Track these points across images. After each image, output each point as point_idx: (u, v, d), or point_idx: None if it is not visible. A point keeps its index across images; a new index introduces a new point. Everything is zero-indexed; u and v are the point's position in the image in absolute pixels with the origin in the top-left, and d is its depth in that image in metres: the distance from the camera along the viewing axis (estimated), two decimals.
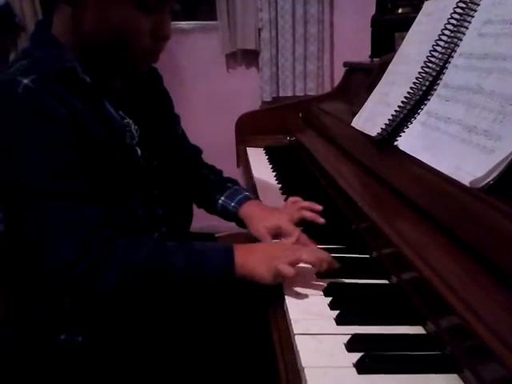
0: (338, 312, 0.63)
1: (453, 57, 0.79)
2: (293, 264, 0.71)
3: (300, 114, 1.60)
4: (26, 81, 0.67)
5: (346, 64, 1.68)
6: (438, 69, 0.82)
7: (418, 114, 0.82)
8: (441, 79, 0.80)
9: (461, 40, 0.79)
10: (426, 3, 1.01)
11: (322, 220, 0.89)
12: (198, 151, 1.08)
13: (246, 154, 1.56)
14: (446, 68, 0.80)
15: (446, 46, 0.81)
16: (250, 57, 2.61)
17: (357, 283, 0.71)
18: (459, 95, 0.73)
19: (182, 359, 0.83)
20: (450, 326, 0.51)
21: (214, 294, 0.90)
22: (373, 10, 1.73)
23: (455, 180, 0.63)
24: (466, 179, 0.61)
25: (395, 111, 0.86)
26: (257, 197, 1.13)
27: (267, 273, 0.71)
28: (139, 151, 0.82)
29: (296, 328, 0.61)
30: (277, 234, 0.87)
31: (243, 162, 1.54)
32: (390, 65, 1.04)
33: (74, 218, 0.69)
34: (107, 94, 0.77)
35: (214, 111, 2.62)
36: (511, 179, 0.56)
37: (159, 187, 0.85)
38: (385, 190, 0.81)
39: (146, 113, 0.88)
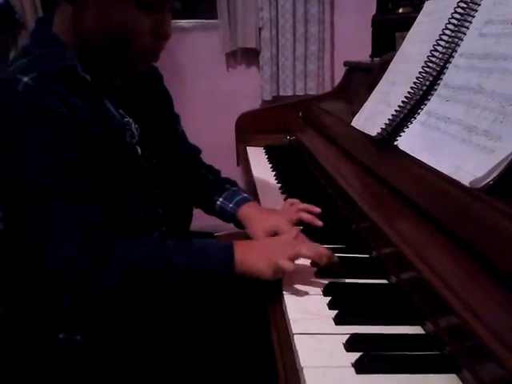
0: (336, 312, 0.63)
1: (453, 57, 0.79)
2: (292, 259, 0.72)
3: (300, 114, 1.60)
4: (26, 79, 0.67)
5: (346, 63, 1.68)
6: (438, 69, 0.82)
7: (418, 113, 0.82)
8: (441, 79, 0.80)
9: (461, 40, 0.79)
10: (426, 3, 1.01)
11: (319, 223, 0.89)
12: (196, 151, 1.08)
13: (246, 153, 1.56)
14: (447, 68, 0.80)
15: (447, 45, 0.81)
16: (250, 56, 2.61)
17: (356, 283, 0.71)
18: (459, 95, 0.73)
19: (182, 358, 0.83)
20: (449, 326, 0.51)
21: (214, 293, 0.90)
22: (373, 10, 1.73)
23: (455, 180, 0.63)
24: (465, 179, 0.61)
25: (395, 111, 0.86)
26: (256, 196, 1.13)
27: (267, 268, 0.72)
28: (139, 150, 0.81)
29: (295, 328, 0.61)
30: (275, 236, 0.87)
31: (243, 161, 1.54)
32: (391, 64, 1.04)
33: (74, 216, 0.69)
34: (107, 92, 0.77)
35: (214, 110, 2.62)
36: (511, 179, 0.56)
37: (159, 186, 0.85)
38: (385, 189, 0.81)
39: (146, 112, 0.88)
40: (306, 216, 0.89)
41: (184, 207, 0.98)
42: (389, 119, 0.87)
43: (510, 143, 0.57)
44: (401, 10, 1.61)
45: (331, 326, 0.61)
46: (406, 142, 0.81)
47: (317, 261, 0.73)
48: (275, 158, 1.47)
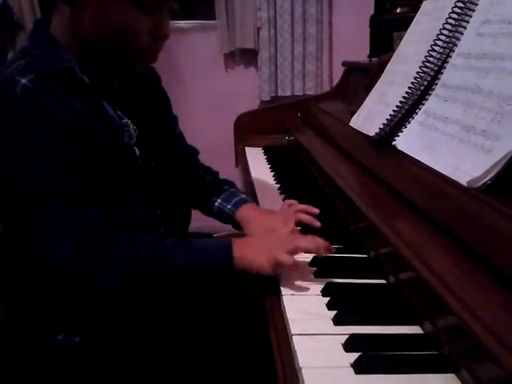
0: (335, 312, 0.63)
1: (451, 56, 0.79)
2: (291, 253, 0.73)
3: (299, 114, 1.60)
4: (24, 81, 0.67)
5: (344, 64, 1.68)
6: (436, 68, 0.82)
7: (416, 113, 0.82)
8: (439, 79, 0.80)
9: (459, 40, 0.79)
10: (424, 3, 1.01)
11: (317, 223, 0.89)
12: (194, 152, 1.08)
13: (245, 153, 1.56)
14: (445, 68, 0.80)
15: (445, 45, 0.81)
16: (248, 56, 2.61)
17: (355, 283, 0.71)
18: (457, 95, 0.73)
19: (181, 358, 0.83)
20: (447, 326, 0.51)
21: (212, 294, 0.90)
22: (371, 10, 1.73)
23: (453, 180, 0.63)
24: (463, 179, 0.61)
25: (393, 111, 0.86)
26: (255, 196, 1.13)
27: (266, 263, 0.72)
28: (137, 151, 0.81)
29: (294, 328, 0.61)
30: None
31: (242, 161, 1.54)
32: (389, 64, 1.04)
33: (74, 217, 0.69)
34: (106, 93, 0.77)
35: (212, 111, 2.62)
36: (509, 179, 0.56)
37: (157, 188, 0.85)
38: (383, 189, 0.81)
39: (144, 113, 0.88)
40: (304, 217, 0.89)
41: (182, 208, 0.98)
42: (387, 119, 0.87)
43: (507, 143, 0.57)
44: (399, 10, 1.61)
45: (330, 327, 0.61)
46: (404, 141, 0.81)
47: (315, 252, 0.74)
48: (274, 158, 1.47)
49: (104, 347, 0.79)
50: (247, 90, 2.62)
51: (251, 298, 0.84)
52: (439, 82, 0.80)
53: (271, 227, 0.87)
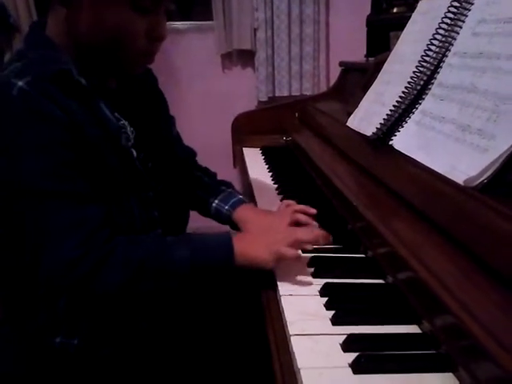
0: (333, 312, 0.63)
1: (447, 56, 0.80)
2: (293, 245, 0.74)
3: (296, 114, 1.60)
4: (20, 83, 0.67)
5: (341, 64, 1.68)
6: (432, 68, 0.82)
7: (413, 113, 0.82)
8: (435, 78, 0.80)
9: (455, 39, 0.79)
10: (420, 2, 1.01)
11: (315, 224, 0.89)
12: (192, 153, 1.08)
13: (243, 154, 1.56)
14: (441, 67, 0.80)
15: (441, 45, 0.81)
16: (245, 57, 2.61)
17: (352, 283, 0.71)
18: (453, 94, 0.73)
19: (179, 360, 0.83)
20: (445, 326, 0.51)
21: (211, 294, 0.90)
22: (368, 10, 1.73)
23: (450, 179, 0.63)
24: (460, 178, 0.61)
25: (390, 110, 0.86)
26: (253, 197, 1.13)
27: (269, 257, 0.73)
28: (135, 153, 0.81)
29: (292, 329, 0.60)
30: None
31: (239, 162, 1.54)
32: (385, 64, 1.04)
33: (75, 217, 0.69)
34: (102, 95, 0.77)
35: (209, 111, 2.62)
36: (505, 178, 0.56)
37: (154, 189, 0.85)
38: (380, 189, 0.81)
39: (141, 114, 0.88)
40: (301, 217, 0.89)
41: (180, 210, 0.97)
42: (384, 119, 0.87)
43: (503, 142, 0.57)
44: (395, 10, 1.61)
45: (328, 327, 0.61)
46: (401, 141, 0.82)
47: (314, 243, 0.75)
48: (272, 158, 1.47)
49: (102, 349, 0.79)
50: (244, 91, 2.62)
51: (249, 300, 0.84)
52: (435, 82, 0.80)
53: (269, 227, 0.87)
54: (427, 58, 0.83)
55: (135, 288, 0.71)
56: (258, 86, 2.58)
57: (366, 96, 1.05)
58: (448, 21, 0.81)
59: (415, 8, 1.02)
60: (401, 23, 1.05)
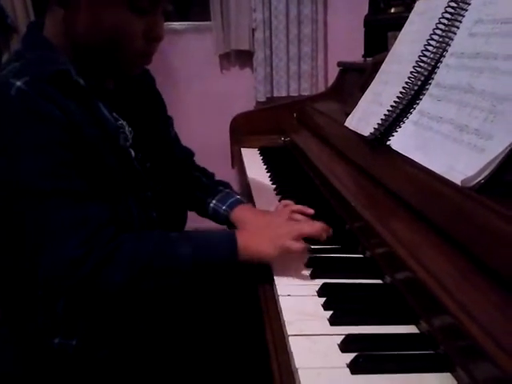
0: (331, 312, 0.63)
1: (444, 56, 0.80)
2: (297, 239, 0.75)
3: (294, 114, 1.60)
4: (18, 83, 0.66)
5: (339, 64, 1.69)
6: (429, 68, 0.82)
7: (411, 113, 0.82)
8: (433, 78, 0.81)
9: (452, 39, 0.79)
10: (417, 2, 1.01)
11: None
12: (190, 153, 1.08)
13: (241, 154, 1.56)
14: (438, 67, 0.80)
15: (438, 45, 0.82)
16: (243, 57, 2.61)
17: (351, 283, 0.71)
18: (451, 94, 0.73)
19: (177, 361, 0.83)
20: (443, 326, 0.51)
21: (209, 295, 0.90)
22: (366, 10, 1.73)
23: (447, 179, 0.63)
24: (458, 178, 0.61)
25: (388, 111, 0.86)
26: (251, 197, 1.13)
27: (273, 251, 0.74)
28: (133, 153, 0.81)
29: (290, 329, 0.60)
30: None
31: (237, 162, 1.54)
32: (383, 64, 1.04)
33: (76, 216, 0.68)
34: (100, 95, 0.77)
35: (207, 112, 2.62)
36: (502, 178, 0.57)
37: (153, 189, 0.85)
38: (378, 189, 0.81)
39: (139, 115, 0.88)
40: (299, 217, 0.89)
41: (178, 210, 0.97)
42: (381, 119, 0.87)
43: (500, 142, 0.57)
44: (393, 10, 1.61)
45: (326, 327, 0.61)
46: (399, 141, 0.82)
47: (318, 237, 0.77)
48: (270, 159, 1.47)
49: (101, 350, 0.78)
50: (243, 91, 2.62)
51: (248, 301, 0.84)
52: (433, 82, 0.80)
53: (267, 225, 0.87)
54: (424, 59, 0.83)
55: (139, 286, 0.70)
56: (256, 86, 2.58)
57: (363, 96, 1.05)
58: (445, 21, 0.82)
59: (413, 8, 1.02)
60: (399, 23, 1.05)
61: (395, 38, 1.05)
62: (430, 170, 0.68)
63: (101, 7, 0.72)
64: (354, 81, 1.45)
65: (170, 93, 1.09)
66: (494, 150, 0.57)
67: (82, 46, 0.75)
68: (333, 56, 2.58)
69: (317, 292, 0.69)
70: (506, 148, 0.56)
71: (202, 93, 2.62)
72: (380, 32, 1.57)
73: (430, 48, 0.83)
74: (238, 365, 0.85)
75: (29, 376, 0.81)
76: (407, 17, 1.02)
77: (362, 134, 0.94)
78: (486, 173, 0.57)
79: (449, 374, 0.51)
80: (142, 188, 0.81)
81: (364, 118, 0.99)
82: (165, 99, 1.00)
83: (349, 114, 1.07)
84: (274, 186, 1.20)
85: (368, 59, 1.56)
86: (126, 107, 0.84)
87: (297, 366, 0.53)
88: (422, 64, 0.83)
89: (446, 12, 0.81)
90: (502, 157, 0.56)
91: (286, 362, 0.56)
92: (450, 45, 0.79)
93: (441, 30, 0.82)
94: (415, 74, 0.84)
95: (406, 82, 0.85)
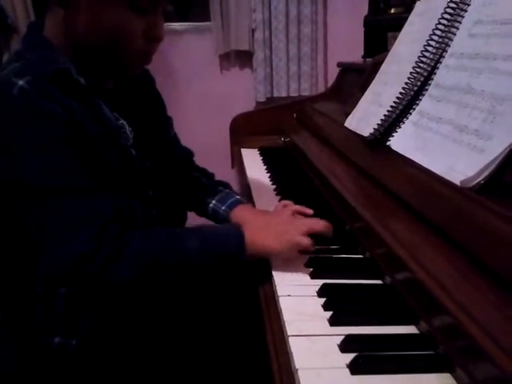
0: (331, 313, 0.63)
1: (444, 57, 0.80)
2: (306, 235, 0.76)
3: (294, 115, 1.60)
4: (21, 82, 0.67)
5: (339, 64, 1.69)
6: (429, 69, 0.82)
7: (410, 114, 0.82)
8: (432, 79, 0.81)
9: (452, 40, 0.79)
10: (417, 3, 1.01)
11: None
12: (189, 154, 1.08)
13: (241, 154, 1.56)
14: (438, 68, 0.80)
15: (438, 45, 0.82)
16: (243, 57, 2.61)
17: (350, 284, 0.71)
18: (450, 95, 0.73)
19: (178, 361, 0.83)
20: (443, 326, 0.51)
21: (209, 296, 0.90)
22: (366, 10, 1.73)
23: (447, 180, 0.63)
24: (457, 179, 0.61)
25: (387, 111, 0.86)
26: (251, 197, 1.14)
27: (280, 247, 0.75)
28: (133, 152, 0.81)
29: (290, 329, 0.60)
30: None
31: (237, 163, 1.55)
32: (383, 65, 1.04)
33: (85, 212, 0.69)
34: (101, 95, 0.77)
35: (207, 112, 2.62)
36: (502, 179, 0.57)
37: (153, 188, 0.85)
38: (378, 190, 0.81)
39: (139, 115, 0.88)
40: (300, 217, 0.89)
41: (177, 210, 0.98)
42: (381, 119, 0.87)
43: (500, 143, 0.57)
44: (393, 11, 1.61)
45: (326, 327, 0.61)
46: (399, 142, 0.82)
47: (325, 234, 0.79)
48: (270, 159, 1.47)
49: (101, 350, 0.78)
50: (242, 92, 2.62)
51: (248, 302, 0.84)
52: (432, 83, 0.80)
53: (267, 224, 0.87)
54: (424, 59, 0.83)
55: (147, 281, 0.71)
56: (256, 86, 2.58)
57: (363, 97, 1.05)
58: (445, 22, 0.82)
59: (412, 9, 1.02)
60: (398, 24, 1.05)
61: (395, 39, 1.05)
62: (430, 171, 0.68)
63: (101, 7, 0.72)
64: (353, 81, 1.45)
65: (169, 93, 1.09)
66: (493, 151, 0.57)
67: (82, 46, 0.75)
68: (333, 56, 2.58)
69: (317, 292, 0.69)
70: (506, 148, 0.56)
71: (202, 93, 2.62)
72: (380, 32, 1.57)
73: (429, 48, 0.83)
74: (238, 365, 0.85)
75: (29, 376, 0.81)
76: (407, 17, 1.02)
77: (362, 134, 0.94)
78: (486, 173, 0.57)
79: (448, 375, 0.51)
80: (143, 187, 0.81)
81: (364, 119, 0.99)
82: (165, 99, 1.00)
83: (349, 115, 1.07)
84: (274, 187, 1.20)
85: (368, 60, 1.57)
86: (125, 107, 0.84)
87: (297, 367, 0.53)
88: (421, 64, 0.83)
89: (446, 13, 0.81)
90: (502, 157, 0.56)
91: (285, 362, 0.56)
92: (449, 45, 0.79)
93: (440, 30, 0.82)
94: (415, 75, 0.84)
95: (406, 83, 0.85)
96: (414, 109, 0.82)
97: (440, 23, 0.82)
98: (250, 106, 2.57)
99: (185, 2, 2.68)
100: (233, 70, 2.65)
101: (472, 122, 0.64)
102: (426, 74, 0.82)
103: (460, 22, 0.79)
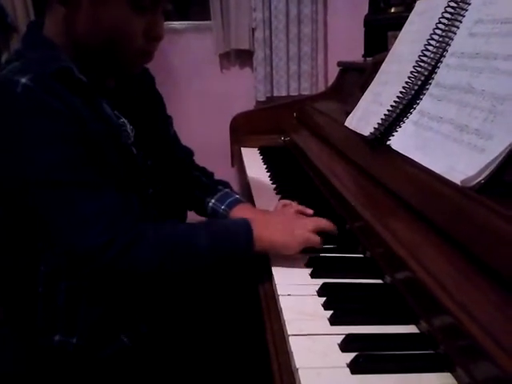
0: (331, 312, 0.63)
1: (445, 56, 0.80)
2: (315, 232, 0.78)
3: (294, 114, 1.60)
4: (24, 80, 0.67)
5: (339, 64, 1.68)
6: (430, 68, 0.82)
7: (411, 113, 0.82)
8: (433, 78, 0.81)
9: (452, 39, 0.79)
10: (418, 2, 1.01)
11: None
12: (189, 153, 1.08)
13: (241, 154, 1.56)
14: (438, 67, 0.80)
15: (438, 45, 0.82)
16: (243, 57, 2.61)
17: (351, 283, 0.71)
18: (451, 94, 0.73)
19: (178, 360, 0.83)
20: (443, 326, 0.51)
21: (209, 295, 0.90)
22: (366, 10, 1.73)
23: (447, 179, 0.63)
24: (458, 178, 0.61)
25: (388, 111, 0.86)
26: (251, 197, 1.13)
27: (290, 242, 0.77)
28: (134, 150, 0.82)
29: (290, 329, 0.60)
30: None
31: (237, 162, 1.55)
32: (383, 64, 1.04)
33: (95, 205, 0.69)
34: (102, 93, 0.77)
35: (207, 112, 2.62)
36: (502, 178, 0.57)
37: (154, 186, 0.85)
38: (378, 189, 0.81)
39: (139, 113, 0.88)
40: (302, 217, 0.89)
41: (177, 209, 0.97)
42: (381, 119, 0.87)
43: (500, 142, 0.57)
44: (393, 10, 1.61)
45: (326, 327, 0.61)
46: (399, 141, 0.82)
47: (332, 232, 0.81)
48: (270, 158, 1.47)
49: (101, 349, 0.78)
50: (243, 91, 2.62)
51: (248, 301, 0.84)
52: (433, 82, 0.80)
53: (267, 223, 0.87)
54: (425, 58, 0.83)
55: (167, 266, 0.72)
56: (256, 85, 2.58)
57: (363, 96, 1.05)
58: (445, 21, 0.81)
59: (413, 8, 1.02)
60: (399, 23, 1.05)
61: (395, 38, 1.04)
62: (430, 170, 0.68)
63: (102, 6, 0.72)
64: (353, 80, 1.44)
65: (169, 92, 1.10)
66: (494, 150, 0.57)
67: (83, 45, 0.75)
68: (333, 56, 2.58)
69: (317, 292, 0.69)
70: (506, 148, 0.56)
71: (202, 92, 2.62)
72: (380, 32, 1.56)
73: (430, 48, 0.83)
74: (238, 365, 0.85)
75: (30, 375, 0.81)
76: (407, 16, 1.02)
77: (362, 133, 0.94)
78: (486, 173, 0.57)
79: (449, 374, 0.51)
80: (143, 185, 0.82)
81: (364, 118, 0.99)
82: (165, 98, 1.00)
83: (349, 114, 1.07)
84: (274, 186, 1.20)
85: (368, 59, 1.56)
86: (126, 106, 0.85)
87: (297, 366, 0.53)
88: (422, 64, 0.83)
89: (446, 12, 0.81)
90: (503, 157, 0.56)
91: (286, 361, 0.57)
92: (450, 45, 0.79)
93: (441, 29, 0.82)
94: (415, 74, 0.84)
95: (406, 82, 0.85)
96: (415, 108, 0.82)
97: (440, 22, 0.82)
98: (250, 105, 2.57)
99: (185, 1, 2.68)
100: (233, 69, 2.65)
101: (472, 122, 0.64)
102: (426, 73, 0.82)
103: (460, 21, 0.79)
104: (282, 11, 2.47)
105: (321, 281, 0.71)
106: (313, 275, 0.74)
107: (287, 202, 0.95)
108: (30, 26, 0.80)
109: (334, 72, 1.80)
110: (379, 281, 0.71)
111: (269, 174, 1.31)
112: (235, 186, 1.14)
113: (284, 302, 0.67)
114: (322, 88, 2.57)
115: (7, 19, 2.23)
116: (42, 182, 0.68)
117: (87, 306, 0.77)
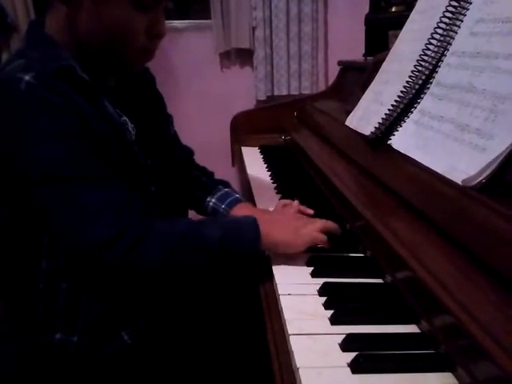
0: (332, 312, 0.63)
1: (445, 55, 0.80)
2: (321, 231, 0.79)
3: (295, 113, 1.60)
4: (27, 77, 0.67)
5: (340, 63, 1.68)
6: (430, 67, 0.82)
7: (412, 112, 0.82)
8: (434, 78, 0.80)
9: (453, 38, 0.79)
10: (419, 1, 1.01)
11: None
12: (190, 152, 1.08)
13: (241, 153, 1.56)
14: (439, 66, 0.80)
15: (439, 44, 0.81)
16: (244, 56, 2.60)
17: (351, 282, 0.71)
18: (452, 94, 0.73)
19: (179, 359, 0.83)
20: (443, 325, 0.51)
21: (210, 295, 0.90)
22: (367, 9, 1.73)
23: (448, 179, 0.63)
24: (459, 178, 0.61)
25: (389, 110, 0.86)
26: (252, 196, 1.13)
27: (295, 240, 0.77)
28: (136, 149, 0.82)
29: (290, 328, 0.60)
30: None
31: (238, 161, 1.54)
32: (384, 63, 1.04)
33: (102, 199, 0.70)
34: (103, 92, 0.77)
35: (208, 111, 2.62)
36: (503, 178, 0.56)
37: (155, 185, 0.85)
38: (379, 188, 0.81)
39: (139, 112, 0.88)
40: (303, 217, 0.89)
41: (178, 208, 0.98)
42: (382, 118, 0.87)
43: (501, 141, 0.57)
44: (394, 9, 1.61)
45: (327, 326, 0.61)
46: (400, 140, 0.82)
47: (336, 232, 0.82)
48: (270, 157, 1.47)
49: (102, 349, 0.78)
50: (243, 90, 2.61)
51: (249, 300, 0.84)
52: (434, 81, 0.80)
53: (269, 221, 0.87)
54: (425, 58, 0.83)
55: (175, 261, 0.72)
56: (256, 84, 2.58)
57: (364, 95, 1.05)
58: (446, 20, 0.81)
59: (414, 7, 1.02)
60: (399, 22, 1.05)
61: (396, 37, 1.04)
62: (431, 170, 0.68)
63: (104, 4, 0.72)
64: (354, 80, 1.44)
65: (170, 91, 1.09)
66: (495, 150, 0.57)
67: (85, 43, 0.75)
68: (333, 55, 2.58)
69: (317, 291, 0.69)
70: (508, 147, 0.56)
71: (203, 91, 2.61)
72: (381, 31, 1.56)
73: (430, 47, 0.83)
74: (238, 364, 0.85)
75: (30, 373, 0.81)
76: (408, 15, 1.02)
77: (363, 133, 0.94)
78: (487, 172, 0.57)
79: (449, 374, 0.51)
80: (145, 183, 0.82)
81: (365, 117, 0.98)
82: (165, 97, 1.00)
83: (349, 113, 1.07)
84: (275, 185, 1.20)
85: (369, 58, 1.56)
86: (127, 104, 0.85)
87: (297, 366, 0.53)
88: (422, 63, 0.83)
89: (447, 11, 0.81)
90: (504, 156, 0.56)
91: (286, 361, 0.57)
92: (451, 44, 0.79)
93: (442, 28, 0.82)
94: (416, 73, 0.84)
95: (407, 81, 0.85)
96: (416, 107, 0.82)
97: (441, 21, 0.82)
98: (250, 105, 2.57)
99: (185, 0, 2.68)
100: (233, 68, 2.65)
101: (473, 121, 0.64)
102: (427, 72, 0.82)
103: (461, 21, 0.78)
104: (283, 10, 2.46)
105: (321, 280, 0.71)
106: (313, 275, 0.74)
107: (287, 201, 0.94)
108: (32, 25, 0.80)
109: (334, 71, 1.79)
110: (380, 280, 0.71)
111: (269, 173, 1.31)
112: (236, 185, 1.14)
113: (284, 302, 0.67)
114: (322, 87, 2.57)
115: (7, 19, 2.23)
116: (46, 178, 0.68)
117: (87, 305, 0.77)
